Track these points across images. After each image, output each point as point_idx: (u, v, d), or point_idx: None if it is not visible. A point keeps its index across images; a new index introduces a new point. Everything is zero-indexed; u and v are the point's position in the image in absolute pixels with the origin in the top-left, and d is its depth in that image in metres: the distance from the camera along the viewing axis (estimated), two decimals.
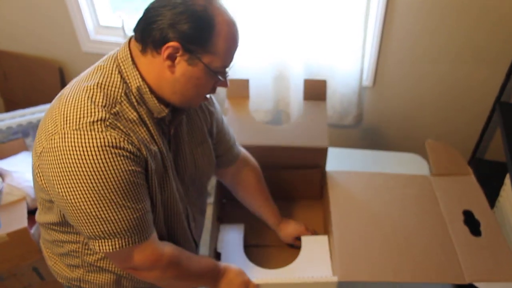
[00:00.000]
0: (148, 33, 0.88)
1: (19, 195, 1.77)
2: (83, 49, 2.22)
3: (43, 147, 0.86)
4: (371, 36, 1.84)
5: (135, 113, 0.92)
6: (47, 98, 2.23)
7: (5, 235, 1.61)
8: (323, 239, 1.34)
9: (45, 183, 0.90)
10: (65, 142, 0.83)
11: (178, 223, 1.08)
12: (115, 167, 0.85)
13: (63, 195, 0.85)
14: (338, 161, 1.69)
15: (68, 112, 0.86)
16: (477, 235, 1.23)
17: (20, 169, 1.84)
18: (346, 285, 1.17)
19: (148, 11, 0.89)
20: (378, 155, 1.73)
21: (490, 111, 1.90)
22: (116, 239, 0.90)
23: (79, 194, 0.84)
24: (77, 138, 0.83)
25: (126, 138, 0.87)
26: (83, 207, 0.85)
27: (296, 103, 2.00)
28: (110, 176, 0.84)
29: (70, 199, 0.85)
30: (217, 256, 1.32)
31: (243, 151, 1.33)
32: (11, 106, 2.45)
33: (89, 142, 0.83)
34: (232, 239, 1.37)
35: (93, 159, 0.83)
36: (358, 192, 1.37)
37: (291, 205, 1.50)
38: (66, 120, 0.85)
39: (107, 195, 0.85)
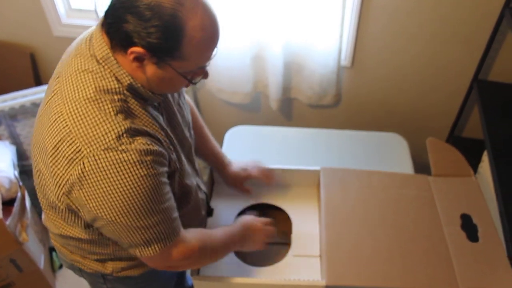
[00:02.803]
0: (113, 32, 0.85)
1: None
2: (54, 33, 2.15)
3: (70, 175, 0.83)
4: (349, 16, 1.82)
5: (141, 105, 0.91)
6: (18, 84, 2.17)
7: None
8: (314, 238, 1.30)
9: (72, 205, 0.88)
10: (98, 165, 0.82)
11: (192, 186, 1.10)
12: (150, 176, 0.85)
13: (102, 215, 0.86)
14: (318, 142, 1.69)
15: (85, 131, 0.83)
16: (474, 241, 1.20)
17: None
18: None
19: (114, 9, 0.84)
20: (358, 135, 1.73)
21: (467, 89, 1.90)
22: (156, 244, 0.92)
23: (119, 212, 0.85)
24: (110, 158, 0.82)
25: (150, 140, 0.87)
26: (124, 221, 0.86)
27: (275, 85, 1.98)
28: (147, 186, 0.85)
29: (111, 218, 0.86)
30: None
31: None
32: None
33: (122, 159, 0.82)
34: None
35: (130, 174, 0.83)
36: (353, 191, 1.33)
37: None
38: (89, 142, 0.82)
39: (146, 205, 0.87)
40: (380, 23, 1.81)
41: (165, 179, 0.91)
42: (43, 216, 1.10)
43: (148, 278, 1.17)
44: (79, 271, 1.15)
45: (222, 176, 1.36)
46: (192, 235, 1.01)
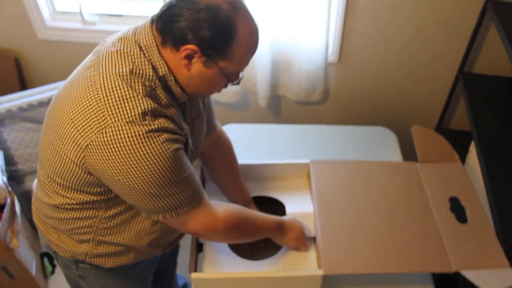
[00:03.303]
0: (168, 29, 0.90)
1: None
2: (39, 36, 2.13)
3: (91, 140, 0.87)
4: (335, 12, 1.83)
5: (167, 98, 0.95)
6: (4, 89, 2.14)
7: None
8: (308, 229, 1.32)
9: (86, 172, 0.93)
10: (120, 135, 0.86)
11: None
12: (168, 148, 0.89)
13: (124, 182, 0.90)
14: (307, 138, 1.70)
15: (114, 103, 0.88)
16: (463, 222, 1.23)
17: None
18: (332, 277, 1.16)
19: (171, 7, 0.90)
20: (347, 130, 1.74)
21: (453, 82, 1.93)
22: (176, 210, 0.98)
23: (141, 180, 0.89)
24: (132, 130, 0.86)
25: (172, 122, 0.93)
26: (146, 189, 0.91)
27: (263, 82, 1.98)
28: (166, 158, 0.89)
29: (133, 185, 0.90)
30: (200, 246, 1.29)
31: (219, 124, 1.35)
32: None
33: (143, 132, 0.87)
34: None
35: (150, 146, 0.87)
36: (343, 182, 1.35)
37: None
38: (116, 113, 0.87)
39: (167, 175, 0.91)
40: (366, 19, 1.83)
41: (181, 153, 0.94)
42: (35, 185, 1.13)
43: (120, 273, 1.20)
44: (55, 254, 1.17)
45: None
46: (223, 211, 1.06)
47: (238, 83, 1.04)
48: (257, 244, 1.26)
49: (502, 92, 1.76)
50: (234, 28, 0.89)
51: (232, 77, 0.99)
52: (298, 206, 1.37)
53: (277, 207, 1.40)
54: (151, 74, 0.93)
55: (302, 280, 1.13)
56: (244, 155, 1.50)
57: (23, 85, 2.32)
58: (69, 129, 0.90)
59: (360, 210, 1.27)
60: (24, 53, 2.23)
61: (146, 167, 0.88)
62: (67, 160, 0.92)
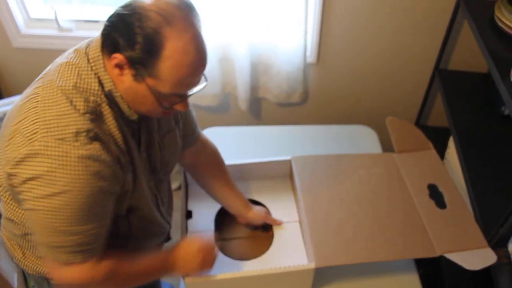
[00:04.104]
0: (104, 38, 0.87)
1: None
2: (14, 44, 2.09)
3: (19, 153, 0.83)
4: (312, 13, 1.85)
5: (114, 116, 0.90)
6: None
7: None
8: (294, 226, 1.34)
9: (17, 183, 0.86)
10: (46, 151, 0.81)
11: (148, 211, 1.09)
12: (88, 184, 0.84)
13: (30, 199, 0.84)
14: (289, 138, 1.71)
15: (50, 118, 0.83)
16: (442, 207, 1.28)
17: None
18: (322, 270, 1.18)
19: (112, 15, 0.86)
20: (328, 129, 1.76)
21: (430, 79, 1.97)
22: (62, 253, 0.89)
23: (45, 203, 0.83)
24: (60, 148, 0.82)
25: (106, 151, 0.86)
26: (44, 216, 0.85)
27: (243, 85, 1.99)
28: (80, 191, 0.83)
29: (36, 205, 0.84)
30: None
31: (202, 133, 1.32)
32: None
33: (71, 153, 0.82)
34: (202, 232, 1.34)
35: (71, 171, 0.82)
36: (325, 176, 1.37)
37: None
38: (48, 128, 0.83)
39: (72, 211, 0.85)
40: (344, 19, 1.85)
41: (102, 196, 0.88)
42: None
43: None
44: (25, 273, 1.14)
45: (246, 216, 1.34)
46: (104, 264, 0.96)
47: (183, 109, 0.94)
48: (245, 245, 1.26)
49: (477, 87, 1.80)
50: (160, 43, 0.81)
51: (165, 100, 0.90)
52: (281, 207, 1.39)
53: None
54: (96, 88, 0.88)
55: (296, 274, 1.14)
56: (226, 158, 1.50)
57: (0, 95, 2.28)
58: (6, 141, 0.87)
59: (345, 202, 1.30)
60: None
61: (58, 192, 0.82)
62: (3, 171, 0.89)
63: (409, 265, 1.31)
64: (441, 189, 1.34)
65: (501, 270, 1.22)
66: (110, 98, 0.90)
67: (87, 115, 0.85)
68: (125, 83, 0.88)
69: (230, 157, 1.56)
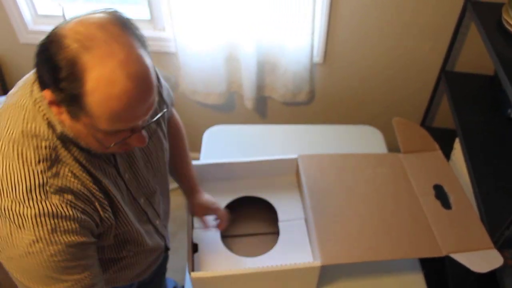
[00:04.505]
0: (36, 73, 0.74)
1: None
2: (21, 40, 2.10)
3: None
4: (320, 13, 1.85)
5: (71, 159, 0.80)
6: None
7: None
8: (300, 224, 1.34)
9: None
10: (2, 214, 0.75)
11: (136, 235, 1.02)
12: (53, 240, 0.76)
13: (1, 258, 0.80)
14: (294, 137, 1.71)
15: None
16: (448, 208, 1.28)
17: None
18: (327, 268, 1.18)
19: (37, 46, 0.74)
20: (334, 129, 1.76)
21: (436, 80, 1.97)
22: None
23: (13, 264, 0.79)
24: (16, 210, 0.74)
25: (69, 203, 0.78)
26: (16, 276, 0.80)
27: (249, 84, 1.99)
28: (47, 251, 0.76)
29: (7, 264, 0.80)
30: (195, 247, 1.29)
31: (173, 110, 1.24)
32: None
33: (27, 214, 0.74)
34: (209, 230, 1.33)
35: (32, 232, 0.75)
36: (332, 175, 1.38)
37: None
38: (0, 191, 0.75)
39: (42, 271, 0.78)
40: (351, 20, 1.85)
41: (75, 252, 0.80)
42: None
43: None
44: None
45: (189, 200, 1.29)
46: None
47: (137, 144, 0.82)
48: (251, 242, 1.26)
49: (483, 89, 1.80)
50: (81, 75, 0.67)
51: (110, 137, 0.77)
52: (287, 205, 1.39)
53: (266, 208, 1.41)
54: (47, 132, 0.77)
55: (301, 272, 1.15)
56: (232, 156, 1.50)
57: (5, 90, 2.28)
58: None
59: (351, 201, 1.30)
60: (6, 58, 2.20)
61: (23, 253, 0.76)
62: None
63: (414, 264, 1.31)
64: (447, 189, 1.34)
65: (506, 273, 1.22)
66: (64, 139, 0.79)
67: (41, 164, 0.76)
68: (65, 121, 0.76)
69: (235, 155, 1.56)
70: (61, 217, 0.77)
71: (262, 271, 1.13)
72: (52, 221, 0.76)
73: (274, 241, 1.30)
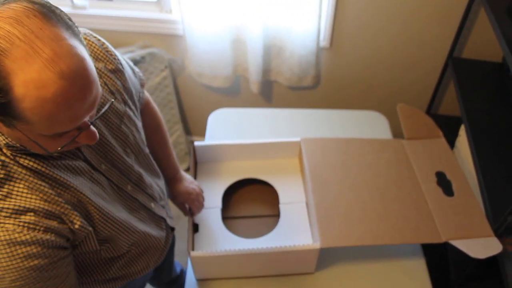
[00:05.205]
0: None
1: None
2: None
3: None
4: None
5: (24, 171, 0.74)
6: None
7: None
8: (301, 207, 1.35)
9: None
10: None
11: (127, 230, 0.97)
12: (15, 267, 0.71)
13: None
14: (299, 121, 1.71)
15: None
16: (450, 195, 1.28)
17: None
18: (327, 251, 1.19)
19: None
20: (339, 114, 1.76)
21: (443, 67, 1.95)
22: None
23: None
24: None
25: (27, 225, 0.72)
26: None
27: (255, 67, 1.99)
28: (12, 278, 0.72)
29: None
30: (195, 227, 1.30)
31: (147, 95, 1.18)
32: None
33: None
34: (210, 211, 1.35)
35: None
36: (334, 158, 1.38)
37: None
38: None
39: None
40: (358, 4, 1.83)
41: (37, 275, 0.75)
42: None
43: None
44: None
45: (169, 189, 1.26)
46: None
47: (85, 141, 0.74)
48: (251, 223, 1.27)
49: (491, 76, 1.79)
50: (6, 82, 0.59)
51: (49, 144, 0.70)
52: (288, 188, 1.40)
53: (267, 190, 1.42)
54: None
55: (300, 253, 1.15)
56: (236, 139, 1.51)
57: None
58: None
59: (352, 185, 1.30)
60: None
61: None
62: None
63: (416, 251, 1.32)
64: (449, 177, 1.34)
65: (508, 257, 1.22)
66: (12, 150, 0.73)
67: None
68: (3, 131, 0.69)
69: (240, 139, 1.57)
70: (18, 243, 0.71)
71: (261, 252, 1.14)
72: (9, 249, 0.70)
73: (275, 224, 1.31)
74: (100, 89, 0.70)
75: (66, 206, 0.78)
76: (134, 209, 1.01)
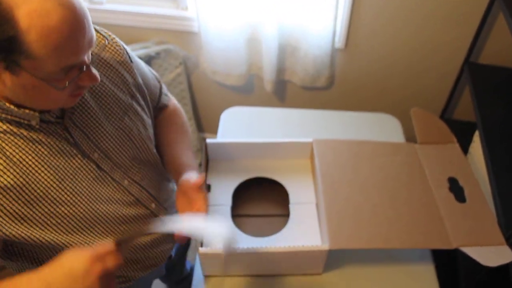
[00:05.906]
0: None
1: None
2: None
3: None
4: None
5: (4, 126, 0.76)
6: None
7: None
8: (311, 208, 1.35)
9: None
10: None
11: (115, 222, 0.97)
12: None
13: None
14: (311, 122, 1.71)
15: None
16: (462, 202, 1.27)
17: None
18: (336, 253, 1.18)
19: None
20: (352, 116, 1.75)
21: (459, 71, 1.93)
22: None
23: None
24: None
25: None
26: None
27: (269, 66, 1.99)
28: None
29: None
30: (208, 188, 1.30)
31: (174, 102, 1.18)
32: None
33: None
34: (219, 208, 1.35)
35: None
36: (346, 160, 1.37)
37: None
38: None
39: None
40: (374, 5, 1.82)
41: None
42: None
43: None
44: None
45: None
46: None
47: (88, 81, 0.77)
48: (261, 222, 1.27)
49: (508, 83, 1.76)
50: (9, 15, 0.62)
51: (59, 80, 0.72)
52: (299, 188, 1.40)
53: (278, 190, 1.42)
54: None
55: (309, 254, 1.15)
56: (248, 137, 1.51)
57: None
58: None
59: (363, 188, 1.30)
60: None
61: None
62: None
63: (425, 256, 1.31)
64: (461, 183, 1.32)
65: None
66: None
67: None
68: (6, 82, 0.70)
69: (252, 137, 1.57)
70: None
71: (269, 251, 1.13)
72: None
73: (284, 223, 1.31)
74: (93, 30, 0.75)
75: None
76: (128, 203, 1.00)
